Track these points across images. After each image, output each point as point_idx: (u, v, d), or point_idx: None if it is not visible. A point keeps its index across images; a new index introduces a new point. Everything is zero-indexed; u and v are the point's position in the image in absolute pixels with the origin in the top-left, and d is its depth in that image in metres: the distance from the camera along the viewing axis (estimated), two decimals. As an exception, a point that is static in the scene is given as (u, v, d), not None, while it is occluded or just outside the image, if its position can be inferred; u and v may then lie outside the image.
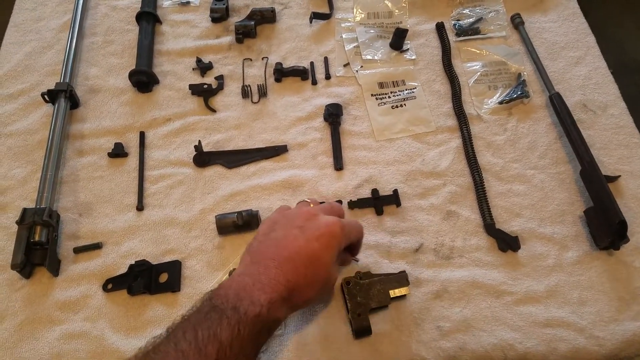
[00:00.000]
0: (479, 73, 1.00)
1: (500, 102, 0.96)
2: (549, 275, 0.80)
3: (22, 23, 1.11)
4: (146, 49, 1.03)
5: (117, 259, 0.83)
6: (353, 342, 0.75)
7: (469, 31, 1.05)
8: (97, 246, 0.83)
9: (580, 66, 1.01)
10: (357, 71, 1.01)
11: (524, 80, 0.98)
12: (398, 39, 1.02)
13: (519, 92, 0.96)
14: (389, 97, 0.98)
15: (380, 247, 0.82)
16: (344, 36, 1.06)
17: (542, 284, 0.79)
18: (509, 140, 0.93)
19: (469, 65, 1.02)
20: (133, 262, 0.81)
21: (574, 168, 0.89)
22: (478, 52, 1.03)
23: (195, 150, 0.90)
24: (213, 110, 0.98)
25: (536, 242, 0.83)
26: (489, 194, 0.87)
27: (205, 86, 1.00)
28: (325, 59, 1.03)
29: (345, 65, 1.03)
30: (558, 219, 0.85)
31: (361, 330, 0.74)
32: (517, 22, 1.06)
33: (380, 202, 0.86)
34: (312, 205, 0.72)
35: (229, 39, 1.07)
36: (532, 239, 0.83)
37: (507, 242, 0.82)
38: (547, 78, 0.97)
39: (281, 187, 0.89)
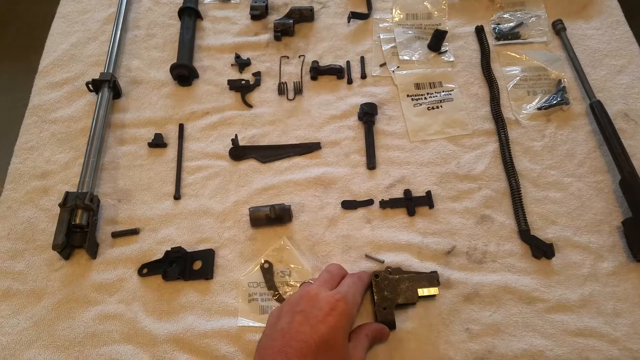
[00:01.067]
0: (518, 78, 0.99)
1: (539, 108, 0.95)
2: (583, 285, 0.79)
3: (68, 14, 1.15)
4: (187, 44, 1.05)
5: (153, 245, 0.85)
6: (381, 339, 0.75)
7: (509, 35, 1.05)
8: (134, 232, 0.86)
9: (622, 75, 0.99)
10: (393, 71, 1.02)
11: (564, 87, 0.97)
12: (437, 41, 1.02)
13: (558, 99, 0.95)
14: (425, 98, 0.98)
15: (411, 247, 0.82)
16: (381, 36, 1.06)
17: (576, 293, 0.78)
18: (547, 146, 0.92)
19: (508, 69, 1.01)
20: (169, 249, 0.83)
21: (612, 178, 0.88)
22: (518, 56, 1.02)
23: (232, 144, 0.92)
24: (250, 106, 1.00)
25: (571, 251, 0.82)
26: (525, 200, 0.86)
27: (243, 82, 1.02)
28: (362, 59, 1.04)
29: (381, 65, 1.03)
30: (594, 228, 0.83)
31: (385, 324, 0.74)
32: (558, 28, 1.04)
33: (413, 203, 0.86)
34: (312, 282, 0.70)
35: (267, 36, 1.08)
36: (567, 248, 0.82)
37: (542, 249, 0.81)
38: (588, 85, 0.95)
39: (313, 183, 0.90)
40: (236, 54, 1.06)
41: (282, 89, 1.01)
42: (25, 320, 0.79)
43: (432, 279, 0.77)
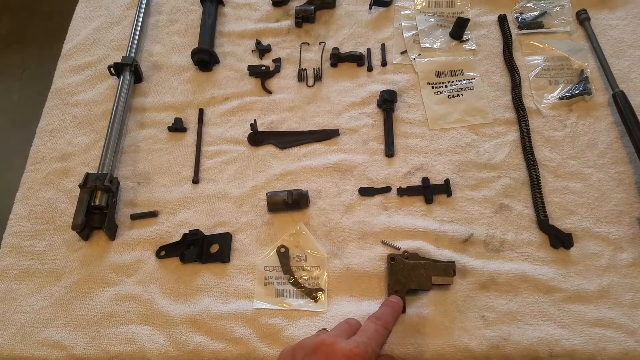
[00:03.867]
0: (540, 67, 0.98)
1: (561, 98, 0.94)
2: (601, 275, 0.78)
3: (92, -1, 1.16)
4: (209, 29, 1.06)
5: (172, 227, 0.85)
6: (395, 323, 0.75)
7: (532, 25, 1.03)
8: (153, 214, 0.87)
9: (647, 65, 0.97)
10: (414, 59, 1.01)
11: (586, 77, 0.95)
12: (459, 29, 1.01)
13: (580, 89, 0.94)
14: (446, 86, 0.97)
15: (428, 234, 0.82)
16: (403, 24, 1.06)
17: (594, 284, 0.77)
18: (568, 136, 0.90)
19: (530, 58, 1.00)
20: (187, 232, 0.84)
21: (634, 169, 0.86)
22: (540, 46, 1.01)
23: (251, 129, 0.92)
24: (269, 92, 1.00)
25: (590, 241, 0.81)
26: (544, 189, 0.85)
27: (263, 68, 1.02)
28: (383, 46, 1.03)
29: (402, 53, 1.02)
30: (614, 219, 0.82)
31: None
32: (582, 18, 1.03)
33: (431, 191, 0.86)
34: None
35: (288, 22, 1.08)
36: (586, 238, 0.81)
37: (560, 239, 0.80)
38: (611, 76, 0.94)
39: (331, 170, 0.90)
40: (257, 40, 1.06)
41: (301, 76, 1.01)
42: (43, 300, 0.81)
43: (448, 268, 0.76)
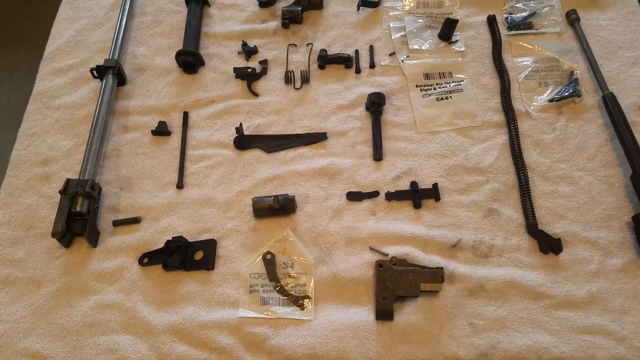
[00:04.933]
0: (529, 69, 0.97)
1: (551, 100, 0.93)
2: (590, 281, 0.77)
3: (75, 0, 1.14)
4: (194, 30, 1.04)
5: (155, 234, 0.84)
6: (382, 330, 0.74)
7: (522, 25, 1.02)
8: (136, 220, 0.85)
9: (637, 67, 0.96)
10: (402, 61, 1.00)
11: (576, 79, 0.94)
12: (447, 30, 1.00)
13: (570, 91, 0.93)
14: (435, 88, 0.96)
15: (416, 240, 0.81)
16: (391, 25, 1.04)
17: (583, 290, 0.76)
18: (558, 139, 0.89)
19: (519, 60, 0.99)
20: (170, 238, 0.82)
21: (624, 172, 0.85)
22: (530, 47, 1.00)
23: (237, 132, 0.90)
24: (255, 95, 0.98)
25: (579, 246, 0.80)
26: (533, 193, 0.84)
27: (250, 70, 1.00)
28: (371, 48, 1.02)
29: (391, 55, 1.01)
30: (604, 223, 0.81)
31: (382, 314, 0.74)
32: (572, 19, 1.02)
33: (419, 195, 0.85)
34: None
35: (275, 23, 1.07)
36: (575, 243, 0.80)
37: (549, 244, 0.79)
38: (601, 77, 0.93)
39: (319, 174, 0.89)
40: (243, 41, 1.04)
41: (289, 78, 0.99)
42: (23, 308, 0.79)
43: (436, 275, 0.75)
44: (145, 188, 0.89)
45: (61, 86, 1.01)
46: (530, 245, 0.80)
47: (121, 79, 0.99)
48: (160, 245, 0.82)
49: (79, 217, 0.82)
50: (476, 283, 0.77)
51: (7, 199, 0.88)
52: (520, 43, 1.01)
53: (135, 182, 0.89)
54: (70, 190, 0.82)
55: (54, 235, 0.79)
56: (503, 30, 1.02)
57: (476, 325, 0.74)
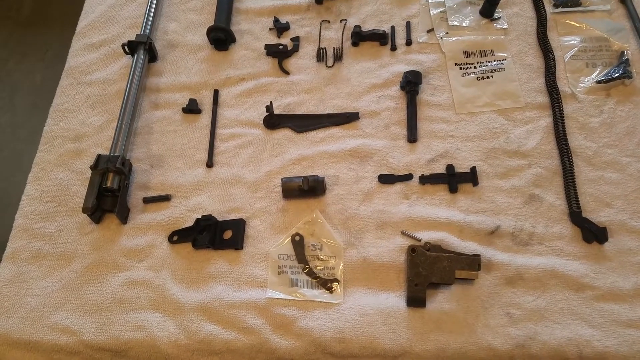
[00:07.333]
0: (576, 48, 0.92)
1: (599, 82, 0.88)
2: (637, 273, 0.73)
3: (108, -25, 1.13)
4: (225, 6, 1.02)
5: (184, 212, 0.83)
6: (414, 316, 0.72)
7: (569, 2, 0.97)
8: (166, 198, 0.84)
9: (694, 47, 0.91)
10: (441, 38, 0.96)
11: (627, 60, 0.89)
12: (489, 6, 0.95)
13: (620, 72, 0.88)
14: (475, 67, 0.92)
15: (451, 226, 0.78)
16: (430, 0, 1.00)
17: (629, 281, 0.73)
18: (605, 123, 0.85)
19: (565, 39, 0.94)
20: (199, 217, 0.81)
21: (677, 159, 0.81)
22: (577, 25, 0.95)
23: (267, 111, 0.88)
24: (286, 73, 0.96)
25: (626, 236, 0.76)
26: (578, 179, 0.80)
27: (281, 47, 0.98)
28: (408, 24, 0.98)
29: (429, 31, 0.97)
30: (654, 213, 0.77)
31: (414, 300, 0.72)
32: (624, -5, 0.96)
33: (455, 179, 0.82)
34: None
35: (308, -1, 1.04)
36: (622, 232, 0.76)
37: (594, 233, 0.75)
38: (654, 58, 0.88)
39: (349, 155, 0.86)
40: (275, 17, 1.02)
41: (321, 55, 0.97)
42: (54, 283, 0.79)
43: (473, 262, 0.73)
44: (175, 166, 0.88)
45: (93, 62, 1.00)
46: (573, 234, 0.77)
47: (152, 55, 0.98)
48: (189, 223, 0.81)
49: (110, 193, 0.82)
50: (514, 272, 0.74)
51: (40, 174, 0.89)
52: (567, 21, 0.96)
53: (165, 160, 0.88)
54: (101, 166, 0.81)
55: (84, 210, 0.79)
56: (549, 8, 0.98)
57: (513, 315, 0.71)
